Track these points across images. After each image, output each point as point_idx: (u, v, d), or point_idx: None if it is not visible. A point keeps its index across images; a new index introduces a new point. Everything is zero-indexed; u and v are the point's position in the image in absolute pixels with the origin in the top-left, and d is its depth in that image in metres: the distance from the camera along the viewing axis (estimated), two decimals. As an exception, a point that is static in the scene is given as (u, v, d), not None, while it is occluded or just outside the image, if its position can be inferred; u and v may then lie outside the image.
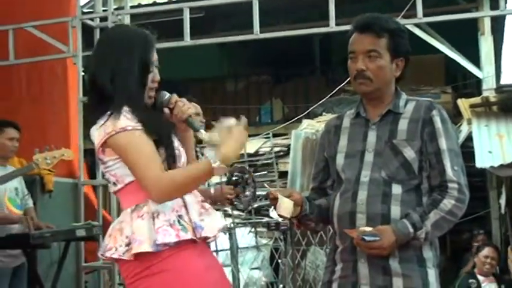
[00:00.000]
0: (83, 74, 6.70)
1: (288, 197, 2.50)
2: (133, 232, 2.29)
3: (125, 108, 2.31)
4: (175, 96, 2.49)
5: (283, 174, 8.44)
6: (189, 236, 2.31)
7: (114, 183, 2.39)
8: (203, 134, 2.43)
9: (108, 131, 2.28)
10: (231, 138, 2.33)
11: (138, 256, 2.28)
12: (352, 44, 2.56)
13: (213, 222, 2.42)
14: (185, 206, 2.36)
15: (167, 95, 2.48)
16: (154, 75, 2.44)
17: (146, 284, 2.30)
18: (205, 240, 2.41)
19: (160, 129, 2.37)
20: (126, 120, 2.29)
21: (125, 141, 2.28)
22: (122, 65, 2.35)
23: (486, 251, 6.68)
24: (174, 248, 2.29)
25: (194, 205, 2.40)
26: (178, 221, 2.31)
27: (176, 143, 2.44)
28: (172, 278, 2.28)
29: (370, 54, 2.51)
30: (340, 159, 2.60)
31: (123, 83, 2.34)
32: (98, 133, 2.33)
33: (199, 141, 2.61)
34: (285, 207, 2.47)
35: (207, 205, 2.47)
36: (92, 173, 7.17)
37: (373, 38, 2.51)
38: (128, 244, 2.29)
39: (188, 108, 2.47)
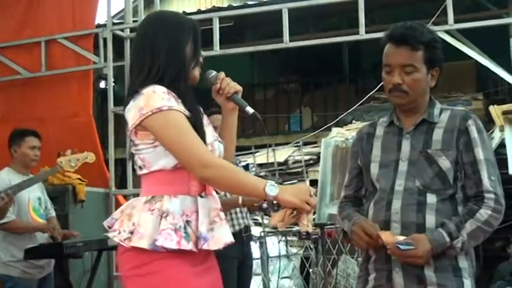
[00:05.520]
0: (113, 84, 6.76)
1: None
2: (139, 224, 2.25)
3: (166, 89, 2.27)
4: (223, 73, 2.48)
5: (313, 183, 8.40)
6: (189, 246, 2.24)
7: (140, 167, 2.35)
8: (250, 110, 2.42)
9: (144, 112, 2.24)
10: (293, 190, 2.25)
11: (136, 249, 2.24)
12: (387, 56, 2.53)
13: (221, 236, 2.33)
14: (197, 212, 2.29)
15: (214, 72, 2.49)
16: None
17: (144, 282, 2.25)
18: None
19: (196, 114, 2.33)
20: (162, 100, 2.24)
21: (163, 120, 2.23)
22: (178, 43, 2.33)
23: None
24: (172, 252, 2.23)
25: (209, 212, 2.33)
26: (185, 227, 2.25)
27: (211, 138, 2.37)
28: (158, 281, 2.23)
29: (406, 69, 2.48)
30: (374, 169, 2.59)
31: (177, 61, 2.32)
32: (131, 114, 2.29)
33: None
34: (277, 217, 2.31)
35: (223, 215, 2.38)
36: (122, 183, 7.22)
37: (409, 52, 2.48)
38: (131, 232, 2.25)
39: (235, 84, 2.46)
